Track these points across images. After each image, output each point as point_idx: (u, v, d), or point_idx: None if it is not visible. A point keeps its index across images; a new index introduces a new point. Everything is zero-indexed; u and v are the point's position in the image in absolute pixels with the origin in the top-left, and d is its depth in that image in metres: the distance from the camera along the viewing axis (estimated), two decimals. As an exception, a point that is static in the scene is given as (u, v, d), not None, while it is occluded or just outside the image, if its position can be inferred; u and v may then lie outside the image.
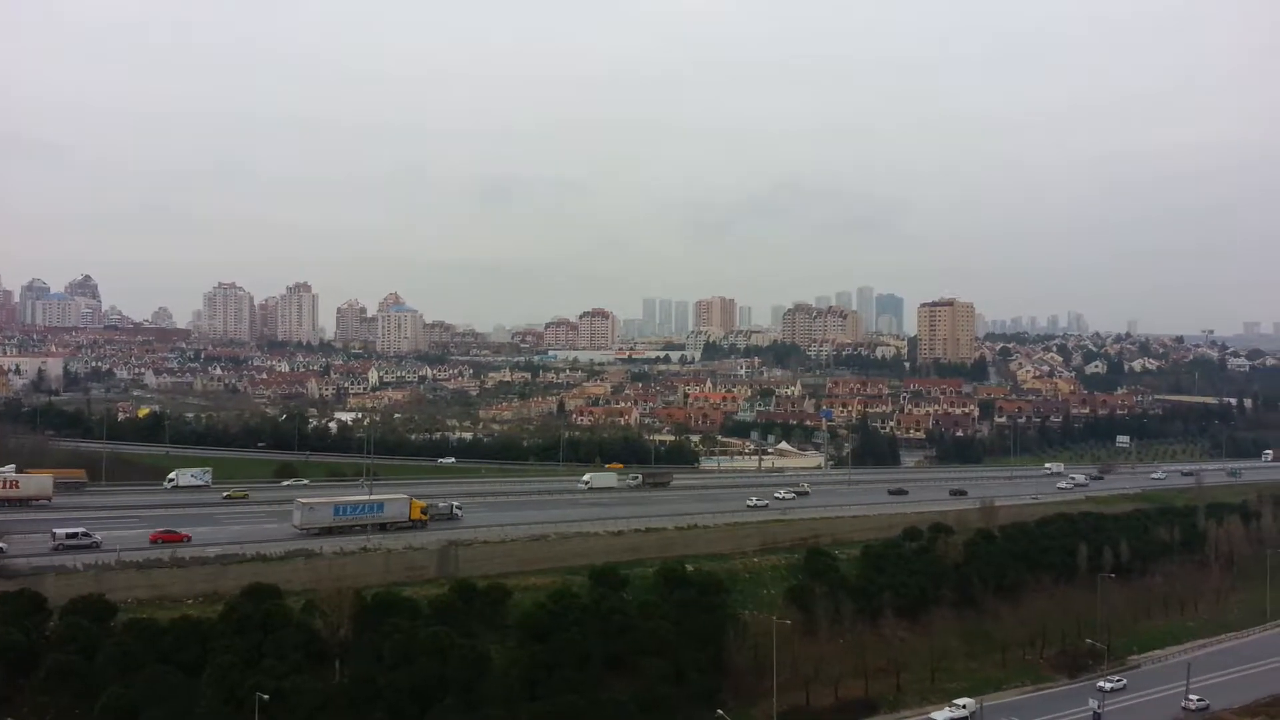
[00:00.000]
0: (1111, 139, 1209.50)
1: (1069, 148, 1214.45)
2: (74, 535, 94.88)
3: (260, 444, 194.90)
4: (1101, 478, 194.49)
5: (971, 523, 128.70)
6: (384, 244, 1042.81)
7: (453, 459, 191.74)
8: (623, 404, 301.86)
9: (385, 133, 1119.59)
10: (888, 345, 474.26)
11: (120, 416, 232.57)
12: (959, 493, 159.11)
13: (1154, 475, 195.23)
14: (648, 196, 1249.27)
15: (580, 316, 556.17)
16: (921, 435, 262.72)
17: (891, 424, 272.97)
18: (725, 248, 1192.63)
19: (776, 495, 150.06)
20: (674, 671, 78.23)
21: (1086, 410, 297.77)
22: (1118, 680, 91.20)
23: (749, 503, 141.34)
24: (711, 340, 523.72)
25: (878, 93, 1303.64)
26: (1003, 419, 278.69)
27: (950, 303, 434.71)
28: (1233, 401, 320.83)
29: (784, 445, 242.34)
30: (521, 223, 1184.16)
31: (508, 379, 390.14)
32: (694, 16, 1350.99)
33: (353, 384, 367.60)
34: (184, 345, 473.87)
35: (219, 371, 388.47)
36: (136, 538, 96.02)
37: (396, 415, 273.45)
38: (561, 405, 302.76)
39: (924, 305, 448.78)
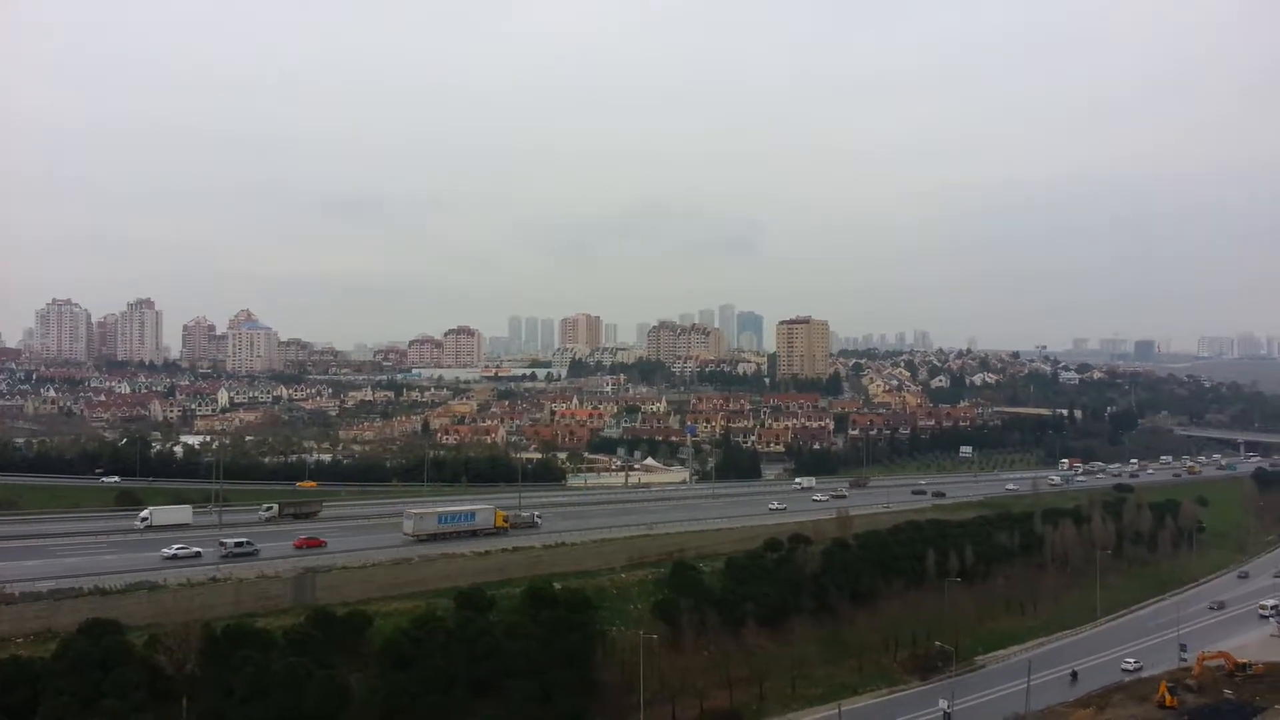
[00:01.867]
0: (951, 171, 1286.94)
1: (915, 178, 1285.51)
2: (240, 544, 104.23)
3: (98, 470, 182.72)
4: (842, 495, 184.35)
5: (828, 532, 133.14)
6: (234, 260, 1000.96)
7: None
8: (489, 422, 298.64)
9: (233, 143, 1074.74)
10: (749, 361, 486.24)
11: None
12: (920, 493, 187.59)
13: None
14: (513, 215, 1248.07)
15: (445, 334, 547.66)
16: (781, 449, 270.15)
17: (753, 438, 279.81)
18: (591, 266, 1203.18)
19: (815, 498, 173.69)
20: (541, 692, 77.62)
21: (932, 422, 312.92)
22: None
23: (771, 506, 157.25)
24: (578, 358, 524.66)
25: (740, 120, 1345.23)
26: (856, 431, 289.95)
27: (807, 320, 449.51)
28: (1064, 412, 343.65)
29: (650, 461, 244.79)
30: (383, 239, 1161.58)
31: (369, 398, 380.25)
32: (561, 40, 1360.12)
33: (201, 405, 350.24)
34: (14, 365, 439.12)
35: (53, 393, 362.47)
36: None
37: (249, 437, 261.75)
38: (426, 424, 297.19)
39: (782, 323, 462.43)
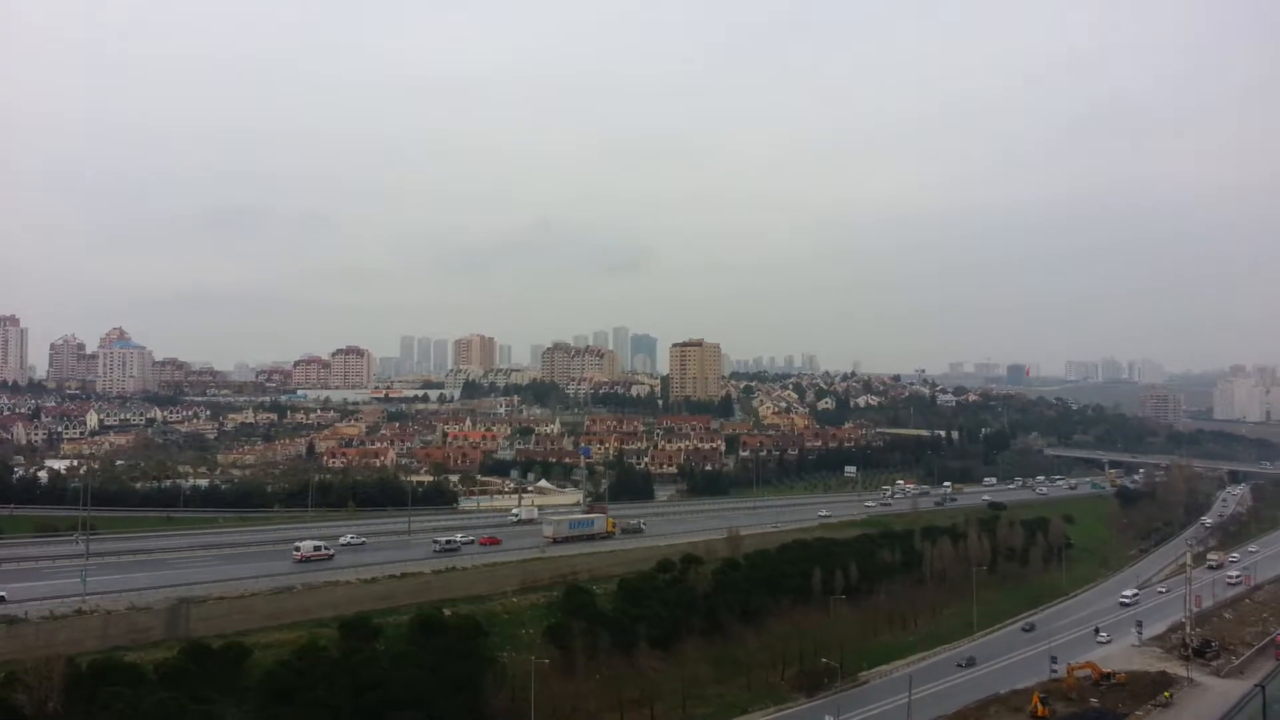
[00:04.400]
0: (836, 195, 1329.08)
1: (803, 201, 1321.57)
2: (450, 542, 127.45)
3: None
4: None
5: (719, 552, 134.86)
6: (106, 275, 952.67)
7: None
8: (379, 444, 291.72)
9: (99, 144, 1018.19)
10: (642, 383, 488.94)
11: None
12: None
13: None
14: (404, 233, 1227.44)
15: (333, 354, 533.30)
16: (674, 470, 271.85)
17: (646, 460, 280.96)
18: (484, 287, 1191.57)
19: (866, 504, 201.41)
20: (429, 721, 76.15)
21: (819, 443, 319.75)
22: None
23: (820, 514, 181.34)
24: (471, 379, 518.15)
25: (632, 141, 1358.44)
26: (746, 453, 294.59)
27: (699, 343, 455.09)
28: (943, 433, 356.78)
29: (543, 483, 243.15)
30: (268, 255, 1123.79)
31: (251, 420, 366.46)
32: (444, 50, 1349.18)
33: (68, 428, 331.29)
34: None
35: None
36: None
37: (120, 462, 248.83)
38: (311, 447, 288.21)
39: (675, 345, 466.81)
